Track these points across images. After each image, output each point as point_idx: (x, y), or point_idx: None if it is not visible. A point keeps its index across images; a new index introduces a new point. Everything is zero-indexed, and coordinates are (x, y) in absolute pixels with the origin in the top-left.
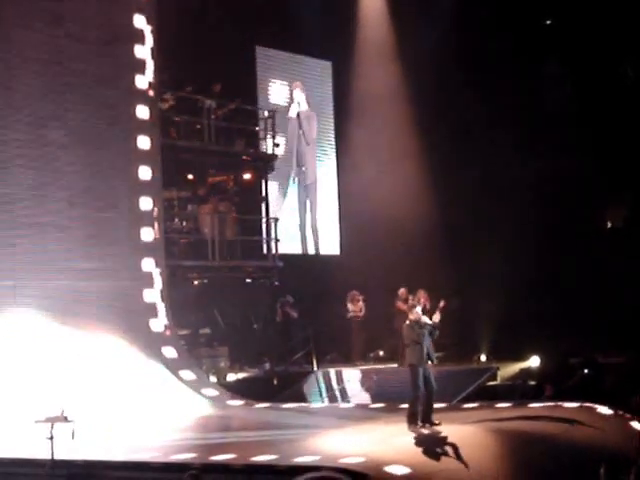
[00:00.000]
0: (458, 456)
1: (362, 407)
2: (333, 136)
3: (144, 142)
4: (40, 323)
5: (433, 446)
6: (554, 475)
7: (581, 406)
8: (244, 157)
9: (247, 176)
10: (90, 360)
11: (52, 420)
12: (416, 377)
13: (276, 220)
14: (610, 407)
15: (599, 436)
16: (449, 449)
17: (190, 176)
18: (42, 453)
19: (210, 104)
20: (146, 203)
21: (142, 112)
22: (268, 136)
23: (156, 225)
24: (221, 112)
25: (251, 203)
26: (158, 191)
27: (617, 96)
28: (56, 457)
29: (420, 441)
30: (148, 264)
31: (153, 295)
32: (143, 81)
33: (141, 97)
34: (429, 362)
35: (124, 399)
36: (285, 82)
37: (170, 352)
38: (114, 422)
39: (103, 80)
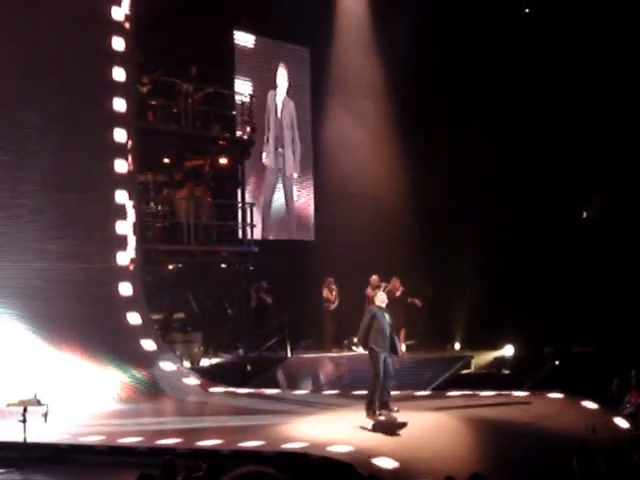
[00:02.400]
0: (434, 445)
1: (339, 395)
2: (310, 122)
3: (120, 134)
4: (13, 306)
5: (411, 434)
6: (528, 464)
7: (552, 395)
8: (220, 142)
9: (223, 161)
10: (64, 344)
11: (25, 403)
12: (377, 362)
13: (252, 205)
14: (582, 397)
15: (569, 425)
16: (423, 437)
17: (166, 160)
18: (15, 436)
19: (187, 88)
20: (121, 195)
21: (119, 103)
22: (244, 121)
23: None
24: (198, 96)
25: (227, 188)
26: (133, 179)
27: (595, 83)
28: (28, 440)
29: (396, 429)
30: (123, 257)
31: (128, 287)
32: (120, 73)
33: (119, 87)
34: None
35: (97, 384)
36: (262, 67)
37: (149, 344)
38: (86, 406)
39: (80, 64)
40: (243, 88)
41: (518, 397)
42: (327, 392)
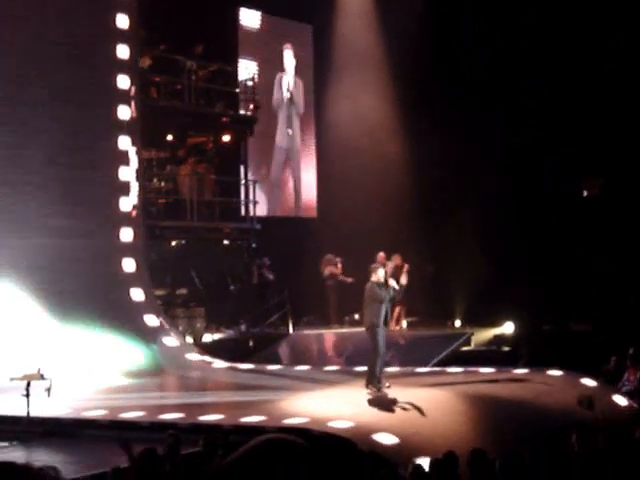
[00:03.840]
0: (435, 421)
1: (340, 370)
2: (312, 99)
3: (124, 112)
4: (16, 281)
5: (410, 410)
6: (526, 440)
7: (552, 372)
8: (224, 119)
9: (226, 138)
10: (67, 320)
11: (28, 378)
12: (376, 337)
13: (254, 182)
14: (581, 373)
15: (569, 402)
16: (426, 414)
17: (169, 137)
18: (18, 410)
19: (191, 65)
20: (125, 173)
21: (123, 80)
22: (248, 99)
23: (135, 195)
24: (202, 73)
25: (230, 165)
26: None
27: (593, 63)
28: (32, 414)
29: (397, 404)
30: (127, 234)
31: (132, 264)
32: (124, 50)
33: (123, 65)
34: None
35: (100, 359)
36: (267, 46)
37: (152, 320)
38: (89, 381)
39: (84, 41)
40: (247, 66)
41: (517, 374)
42: (328, 368)
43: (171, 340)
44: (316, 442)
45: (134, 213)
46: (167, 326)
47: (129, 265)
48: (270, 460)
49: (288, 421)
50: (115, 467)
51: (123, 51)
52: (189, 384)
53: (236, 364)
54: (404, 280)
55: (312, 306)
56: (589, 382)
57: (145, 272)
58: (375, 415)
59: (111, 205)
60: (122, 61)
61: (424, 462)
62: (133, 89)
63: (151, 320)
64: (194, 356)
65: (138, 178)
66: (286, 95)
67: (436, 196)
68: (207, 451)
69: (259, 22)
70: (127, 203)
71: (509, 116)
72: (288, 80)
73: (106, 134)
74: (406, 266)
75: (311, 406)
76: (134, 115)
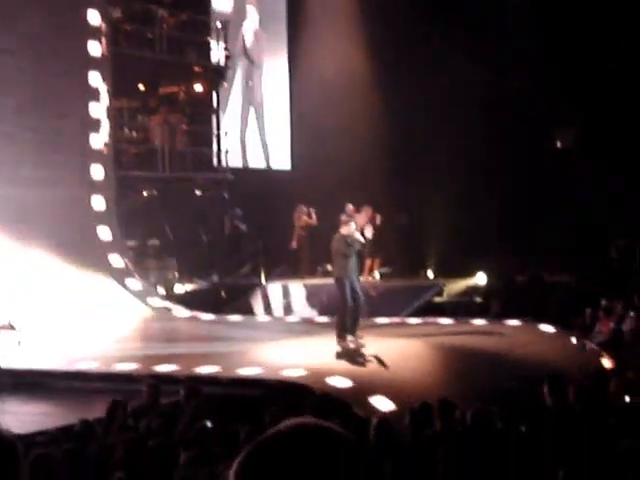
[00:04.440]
0: (400, 369)
1: (308, 321)
2: (286, 52)
3: (94, 48)
4: None
5: (374, 359)
6: (497, 391)
7: (524, 324)
8: (195, 68)
9: (198, 87)
10: (37, 269)
11: None
12: (344, 290)
13: (226, 133)
14: (553, 325)
15: (541, 354)
16: (391, 362)
17: (141, 86)
18: None
19: (162, 13)
20: (96, 110)
21: (93, 17)
22: (220, 47)
23: (106, 133)
24: (173, 22)
25: (202, 115)
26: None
27: (566, 14)
28: (2, 366)
29: (361, 354)
30: (97, 171)
31: (101, 202)
32: None
33: (91, 2)
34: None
35: (69, 308)
36: None
37: (117, 261)
38: (60, 331)
39: None
40: (221, 6)
41: (487, 325)
42: (294, 319)
43: (134, 283)
44: (271, 390)
45: (105, 150)
46: (131, 268)
47: (98, 203)
48: (302, 458)
49: (242, 371)
50: (83, 419)
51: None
52: (149, 333)
53: (198, 313)
54: (369, 233)
55: (285, 257)
56: (547, 329)
57: (113, 213)
58: (333, 363)
59: (82, 142)
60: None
61: (380, 401)
62: (104, 25)
63: (116, 260)
64: (156, 302)
65: (109, 115)
66: (245, 47)
67: (409, 148)
68: (187, 401)
69: None
70: (98, 140)
71: (481, 69)
72: (248, 32)
73: (76, 70)
74: (378, 217)
75: (266, 356)
76: (105, 52)
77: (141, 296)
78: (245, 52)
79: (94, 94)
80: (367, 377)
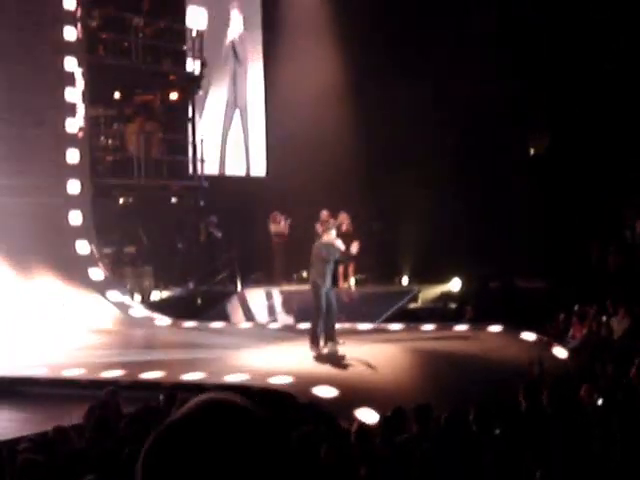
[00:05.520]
0: (380, 375)
1: (287, 328)
2: (261, 56)
3: (70, 61)
4: None
5: (355, 365)
6: (473, 396)
7: (496, 329)
8: (171, 77)
9: (174, 96)
10: (11, 277)
11: None
12: (319, 297)
13: (202, 140)
14: (527, 330)
15: (514, 358)
16: (372, 369)
17: (117, 94)
18: None
19: (138, 22)
20: (72, 124)
21: (69, 32)
22: (195, 56)
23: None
24: (149, 30)
25: (178, 123)
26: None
27: (543, 17)
28: None
29: (341, 360)
30: (74, 185)
31: (78, 217)
32: (71, 2)
33: (68, 17)
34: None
35: (47, 316)
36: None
37: (96, 274)
38: (37, 338)
39: None
40: (197, 17)
41: (463, 330)
42: (273, 326)
43: (115, 295)
44: (257, 398)
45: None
46: (112, 280)
47: (75, 217)
48: (209, 428)
49: (228, 378)
50: (57, 426)
51: (70, 3)
52: (132, 341)
53: (180, 321)
54: (355, 249)
55: (260, 264)
56: (528, 336)
57: (91, 225)
58: (316, 370)
59: (58, 156)
60: (68, 12)
61: (365, 413)
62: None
63: (96, 274)
64: (138, 312)
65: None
66: (231, 50)
67: (383, 154)
68: (167, 407)
69: None
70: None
71: (454, 73)
72: (234, 35)
73: (53, 86)
74: (356, 245)
75: (252, 363)
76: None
77: (122, 307)
78: (235, 54)
79: (70, 107)
80: (350, 385)
